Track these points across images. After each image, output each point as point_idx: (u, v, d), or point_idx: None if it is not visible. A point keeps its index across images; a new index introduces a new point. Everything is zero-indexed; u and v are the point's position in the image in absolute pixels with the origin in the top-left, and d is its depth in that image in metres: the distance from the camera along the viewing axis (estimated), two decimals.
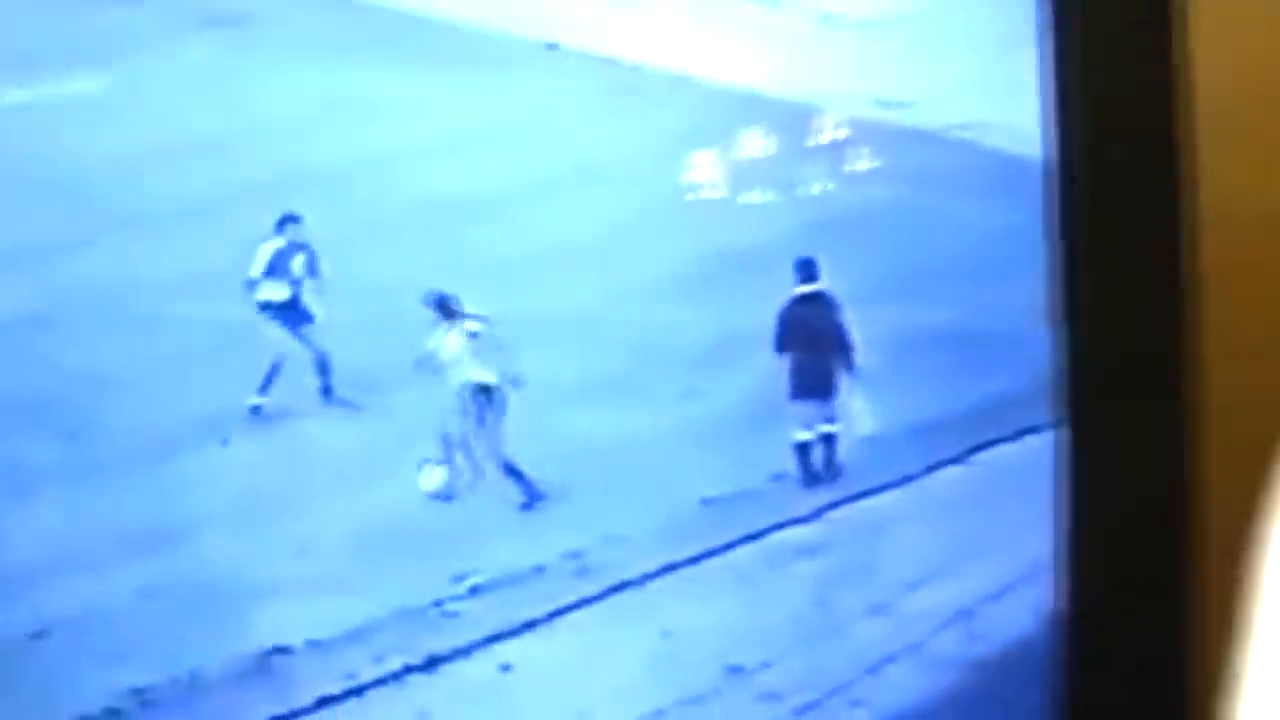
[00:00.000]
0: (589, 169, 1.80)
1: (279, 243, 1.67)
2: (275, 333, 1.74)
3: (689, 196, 1.75)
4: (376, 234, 1.80)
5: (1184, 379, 1.71)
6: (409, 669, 1.84)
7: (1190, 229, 1.71)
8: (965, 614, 1.95)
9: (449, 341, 1.71)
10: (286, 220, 1.64)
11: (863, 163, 1.76)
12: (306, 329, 1.73)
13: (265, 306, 1.71)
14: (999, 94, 1.73)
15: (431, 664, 1.85)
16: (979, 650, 1.93)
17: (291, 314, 1.71)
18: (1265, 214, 1.79)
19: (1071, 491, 1.77)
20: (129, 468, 1.78)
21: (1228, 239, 1.75)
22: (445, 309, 1.71)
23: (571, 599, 1.89)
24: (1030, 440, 1.84)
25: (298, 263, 1.68)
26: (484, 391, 1.74)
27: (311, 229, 1.75)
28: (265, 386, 1.73)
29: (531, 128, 1.82)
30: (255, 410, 1.73)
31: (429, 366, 1.78)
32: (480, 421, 1.75)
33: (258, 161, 1.80)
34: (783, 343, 1.78)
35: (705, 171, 1.75)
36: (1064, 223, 1.70)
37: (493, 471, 1.82)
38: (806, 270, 1.73)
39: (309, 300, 1.72)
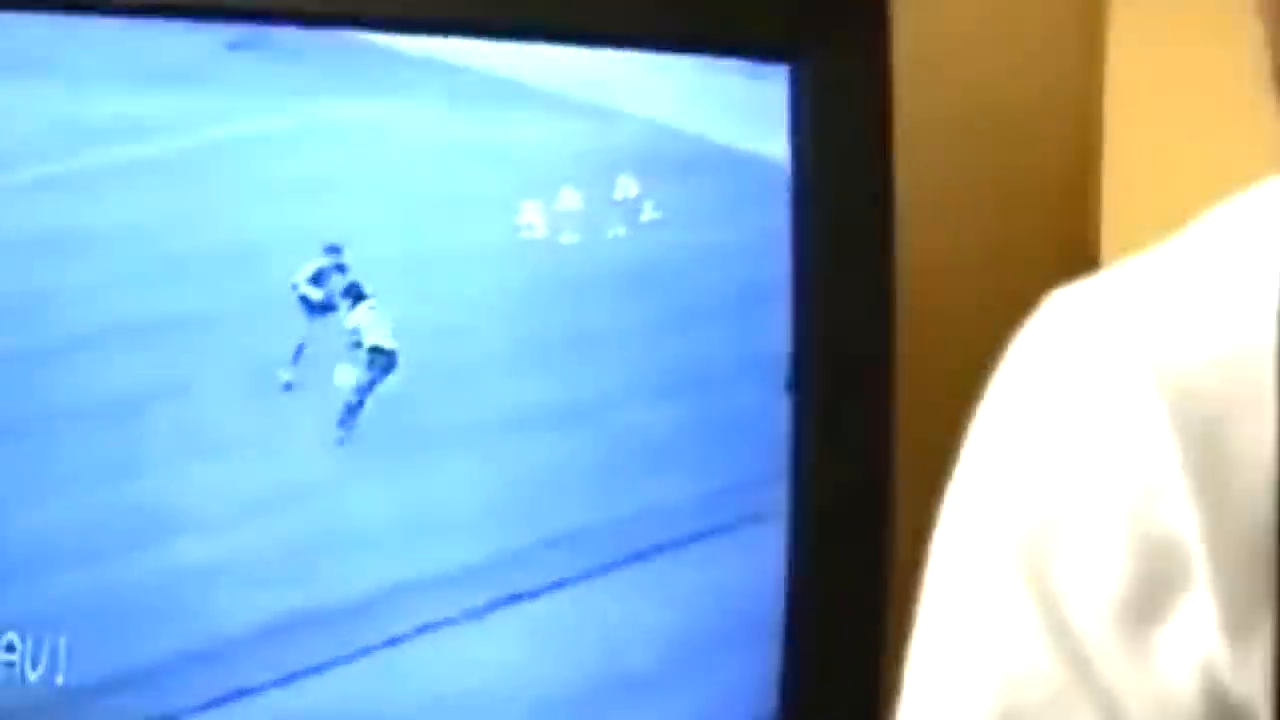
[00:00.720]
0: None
1: (323, 261, 1.78)
2: (304, 322, 1.80)
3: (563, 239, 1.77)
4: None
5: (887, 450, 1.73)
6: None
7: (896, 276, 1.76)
8: None
9: (357, 316, 1.75)
10: (330, 249, 1.76)
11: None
12: (328, 321, 1.80)
13: (302, 299, 1.80)
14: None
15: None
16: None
17: (319, 310, 1.80)
18: (960, 265, 1.84)
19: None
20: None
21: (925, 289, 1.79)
22: (357, 294, 1.75)
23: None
24: None
25: (336, 279, 1.79)
26: (380, 353, 1.75)
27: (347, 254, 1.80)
28: (295, 359, 1.79)
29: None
30: (287, 386, 1.79)
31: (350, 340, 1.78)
32: (380, 376, 1.76)
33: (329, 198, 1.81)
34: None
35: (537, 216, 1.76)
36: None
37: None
38: None
39: (338, 304, 1.80)
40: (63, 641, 1.64)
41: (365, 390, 1.77)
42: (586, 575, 1.75)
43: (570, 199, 1.73)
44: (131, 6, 1.72)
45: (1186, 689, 0.82)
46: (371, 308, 1.76)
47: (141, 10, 1.72)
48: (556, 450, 1.75)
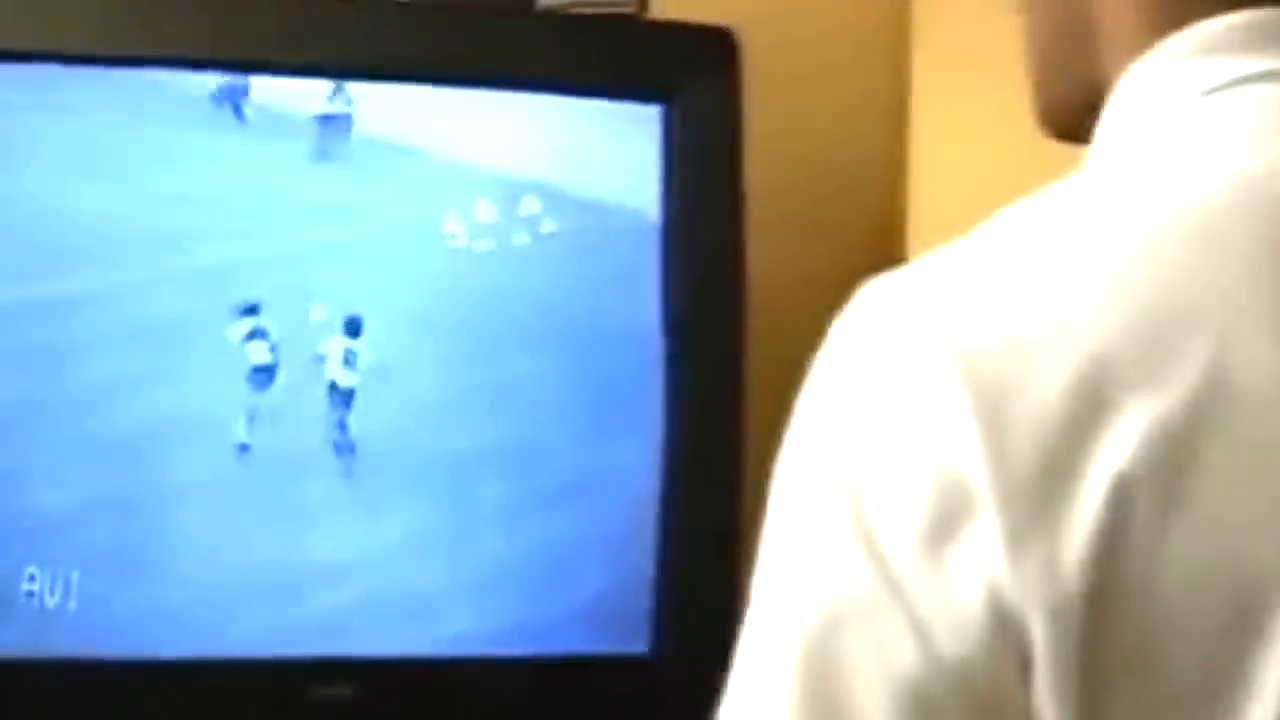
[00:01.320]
0: None
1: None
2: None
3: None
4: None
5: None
6: None
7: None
8: None
9: (332, 344, 1.64)
10: (248, 311, 1.64)
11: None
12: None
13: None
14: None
15: None
16: None
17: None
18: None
19: None
20: None
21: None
22: (354, 329, 1.64)
23: None
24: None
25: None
26: (339, 392, 1.65)
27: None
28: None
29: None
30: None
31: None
32: (337, 409, 1.65)
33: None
34: None
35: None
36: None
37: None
38: None
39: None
40: (75, 575, 1.64)
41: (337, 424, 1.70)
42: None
43: (485, 212, 1.76)
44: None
45: (974, 597, 0.83)
46: (349, 348, 1.69)
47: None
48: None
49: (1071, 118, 0.99)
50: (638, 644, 1.76)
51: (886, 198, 2.01)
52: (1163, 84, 0.93)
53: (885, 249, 1.97)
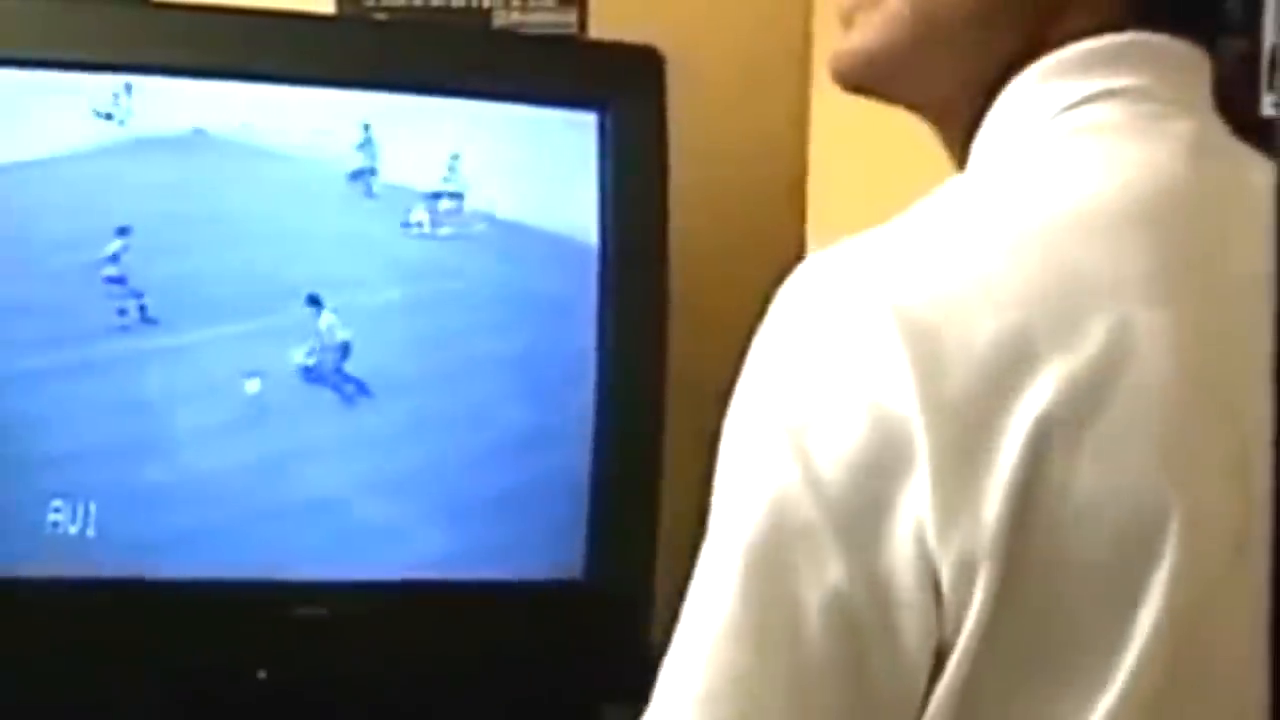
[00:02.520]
0: None
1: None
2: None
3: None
4: None
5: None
6: None
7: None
8: None
9: (321, 321, 1.66)
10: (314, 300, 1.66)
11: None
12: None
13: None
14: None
15: None
16: None
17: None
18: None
19: None
20: None
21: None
22: (317, 302, 1.65)
23: None
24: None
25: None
26: (342, 347, 1.67)
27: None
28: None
29: None
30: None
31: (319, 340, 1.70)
32: (340, 360, 1.67)
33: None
34: None
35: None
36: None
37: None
38: None
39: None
40: (93, 506, 1.67)
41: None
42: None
43: (446, 203, 1.79)
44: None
45: (904, 535, 0.84)
46: (331, 315, 1.69)
47: None
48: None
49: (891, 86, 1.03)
50: (573, 571, 1.78)
51: (790, 189, 2.02)
52: (1027, 102, 0.97)
53: (789, 233, 1.97)
